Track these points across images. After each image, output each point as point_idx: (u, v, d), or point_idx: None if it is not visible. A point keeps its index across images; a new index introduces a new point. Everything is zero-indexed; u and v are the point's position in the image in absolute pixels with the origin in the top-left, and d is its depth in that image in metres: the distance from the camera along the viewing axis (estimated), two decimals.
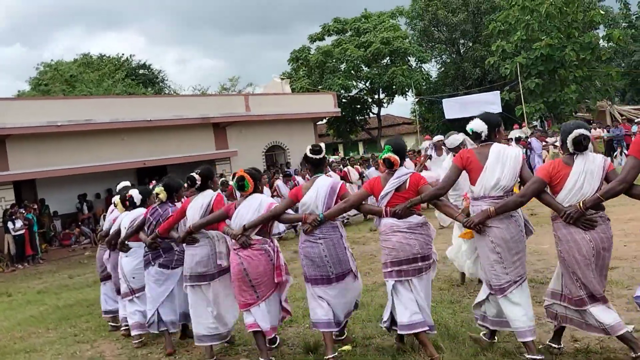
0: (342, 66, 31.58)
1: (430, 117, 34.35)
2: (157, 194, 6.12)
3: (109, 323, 7.29)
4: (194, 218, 5.55)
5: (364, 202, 5.10)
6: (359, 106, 34.28)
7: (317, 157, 5.27)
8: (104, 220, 18.55)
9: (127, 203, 6.58)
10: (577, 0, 25.48)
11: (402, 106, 76.73)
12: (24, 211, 16.41)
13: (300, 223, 5.34)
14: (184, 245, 5.71)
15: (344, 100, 31.38)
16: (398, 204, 4.76)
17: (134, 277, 6.30)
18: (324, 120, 31.71)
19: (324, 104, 26.10)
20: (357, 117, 34.74)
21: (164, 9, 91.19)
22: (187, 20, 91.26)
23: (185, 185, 6.00)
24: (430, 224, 4.90)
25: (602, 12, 28.02)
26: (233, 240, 5.19)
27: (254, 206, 5.24)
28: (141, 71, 43.26)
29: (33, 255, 16.42)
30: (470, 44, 33.98)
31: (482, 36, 31.85)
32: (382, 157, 4.86)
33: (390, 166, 4.85)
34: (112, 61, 40.10)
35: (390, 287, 4.79)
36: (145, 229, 6.13)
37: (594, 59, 25.84)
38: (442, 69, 35.32)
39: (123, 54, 42.68)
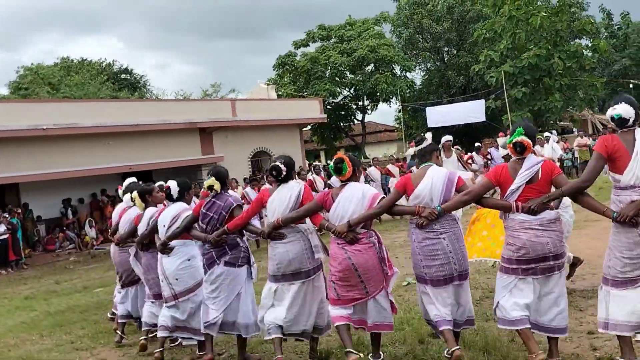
0: (327, 72, 31.62)
1: (414, 124, 34.47)
2: (212, 186, 5.51)
3: (117, 331, 6.71)
4: (279, 211, 5.08)
5: (486, 195, 4.65)
6: (343, 112, 34.33)
7: (419, 148, 4.94)
8: (89, 225, 18.72)
9: (165, 196, 6.04)
10: (567, 10, 25.81)
11: (385, 114, 77.36)
12: (7, 216, 16.10)
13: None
14: (270, 241, 5.20)
15: (328, 106, 31.43)
16: (531, 199, 4.34)
17: (177, 279, 5.68)
18: (309, 127, 31.69)
19: (310, 109, 26.11)
20: (341, 124, 34.76)
21: (141, 13, 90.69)
22: (165, 25, 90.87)
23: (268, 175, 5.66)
24: (562, 219, 4.56)
25: (593, 21, 28.47)
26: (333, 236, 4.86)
27: (356, 197, 4.81)
28: (123, 76, 42.97)
29: (17, 260, 16.10)
30: (455, 52, 34.24)
31: (467, 44, 32.12)
32: (513, 141, 4.41)
33: (522, 151, 4.40)
34: (93, 65, 39.77)
35: (511, 283, 4.43)
36: (202, 224, 5.56)
37: (578, 68, 26.19)
38: (426, 76, 35.54)
39: (105, 59, 42.40)
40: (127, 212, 6.66)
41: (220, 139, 22.53)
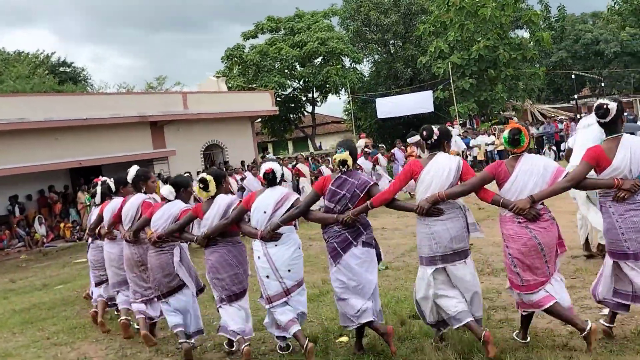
0: (277, 64, 31.62)
1: (362, 115, 34.90)
2: (344, 161, 4.92)
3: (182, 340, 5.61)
4: (437, 184, 4.61)
5: None
6: (292, 105, 34.42)
7: (605, 120, 4.42)
8: (39, 223, 18.21)
9: (264, 180, 5.28)
10: (512, 3, 26.70)
11: (332, 105, 77.68)
12: None
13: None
14: (423, 218, 4.68)
15: (278, 99, 31.47)
16: None
17: (289, 270, 5.02)
18: (260, 119, 31.64)
19: (262, 102, 26.10)
20: (291, 116, 34.86)
21: (75, 5, 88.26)
22: (100, 18, 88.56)
23: (420, 136, 4.86)
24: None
25: (539, 13, 29.49)
26: (508, 213, 4.47)
27: (537, 169, 4.42)
28: (62, 69, 41.63)
29: None
30: (401, 44, 34.79)
31: (413, 37, 32.71)
32: None
33: None
34: (31, 58, 38.38)
35: None
36: (329, 204, 4.92)
37: (521, 60, 27.14)
38: (374, 68, 35.98)
39: (44, 50, 41.01)
40: (165, 206, 5.73)
41: (171, 133, 22.28)
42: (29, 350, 6.58)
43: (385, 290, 6.83)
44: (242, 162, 22.12)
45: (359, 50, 34.10)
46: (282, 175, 5.31)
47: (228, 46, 32.54)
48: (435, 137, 4.75)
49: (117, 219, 6.35)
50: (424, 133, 4.77)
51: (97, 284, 7.07)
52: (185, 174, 8.86)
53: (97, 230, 6.89)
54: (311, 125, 36.32)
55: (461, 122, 28.09)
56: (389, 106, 27.58)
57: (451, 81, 25.92)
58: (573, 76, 28.46)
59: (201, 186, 5.40)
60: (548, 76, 37.05)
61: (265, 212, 5.07)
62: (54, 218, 19.58)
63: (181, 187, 5.81)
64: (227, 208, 5.32)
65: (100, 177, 8.00)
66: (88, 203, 18.87)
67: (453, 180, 4.61)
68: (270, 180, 5.21)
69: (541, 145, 22.93)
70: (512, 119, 32.47)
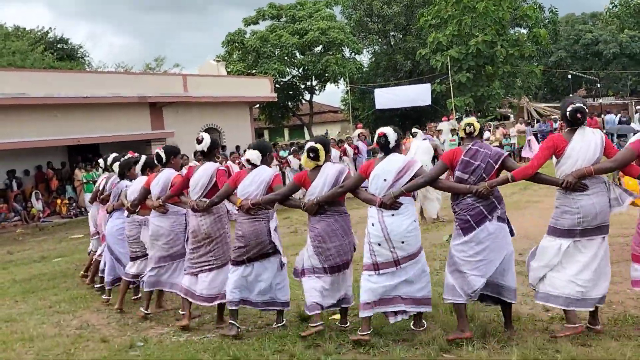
0: (277, 51, 31.71)
1: (360, 106, 35.04)
2: (470, 124, 4.94)
3: (232, 323, 5.48)
4: (583, 160, 4.62)
5: None
6: (291, 92, 34.51)
7: None
8: (35, 198, 18.36)
9: (379, 146, 5.12)
10: None
11: (329, 94, 77.56)
12: None
13: None
14: (568, 192, 4.67)
15: (277, 85, 31.58)
16: None
17: (403, 242, 4.87)
18: (258, 105, 31.76)
19: (261, 88, 26.27)
20: (289, 103, 34.96)
21: None
22: None
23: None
24: None
25: (535, 7, 29.67)
26: None
27: None
28: (59, 45, 41.49)
29: None
30: (401, 36, 34.91)
31: (414, 29, 32.83)
32: None
33: None
34: (30, 34, 38.24)
35: None
36: (463, 175, 4.83)
37: (518, 57, 27.37)
38: (374, 59, 36.09)
39: (43, 27, 40.84)
40: (254, 172, 5.59)
41: (170, 115, 22.40)
42: (32, 317, 6.80)
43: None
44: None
45: (359, 41, 34.17)
46: (397, 141, 5.08)
47: (226, 30, 32.72)
48: (580, 118, 4.72)
49: (177, 191, 6.07)
50: (579, 115, 4.68)
51: (133, 259, 6.73)
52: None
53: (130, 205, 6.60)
54: (308, 113, 36.42)
55: (457, 117, 28.32)
56: (387, 97, 27.71)
57: (449, 74, 26.12)
58: (570, 76, 28.74)
59: (311, 155, 5.28)
60: (545, 75, 37.34)
61: (385, 180, 4.94)
62: (51, 194, 19.73)
63: (266, 151, 5.69)
64: (337, 176, 5.25)
65: (135, 153, 7.89)
66: (85, 180, 19.12)
67: (599, 155, 4.63)
68: (382, 145, 5.05)
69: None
70: (509, 116, 32.81)
